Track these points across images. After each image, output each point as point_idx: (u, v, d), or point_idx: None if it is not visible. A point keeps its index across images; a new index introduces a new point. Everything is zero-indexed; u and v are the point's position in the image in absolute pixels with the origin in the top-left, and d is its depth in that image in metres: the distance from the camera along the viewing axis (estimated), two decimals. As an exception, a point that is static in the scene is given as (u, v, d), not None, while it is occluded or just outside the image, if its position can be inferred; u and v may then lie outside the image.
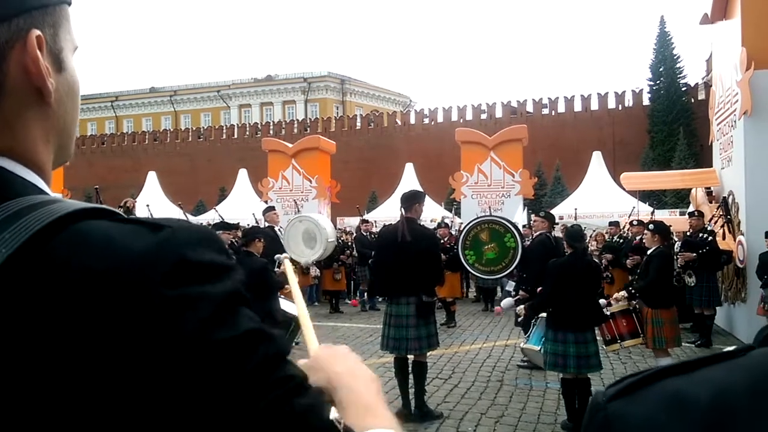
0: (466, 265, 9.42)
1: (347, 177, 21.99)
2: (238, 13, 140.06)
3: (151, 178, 23.69)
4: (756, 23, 8.47)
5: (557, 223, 8.25)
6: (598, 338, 5.22)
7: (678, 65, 30.35)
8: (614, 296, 6.05)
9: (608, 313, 5.86)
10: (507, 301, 6.55)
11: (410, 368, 5.28)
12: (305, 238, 8.79)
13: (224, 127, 43.00)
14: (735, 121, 8.90)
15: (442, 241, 10.28)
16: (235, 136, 40.48)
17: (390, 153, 32.05)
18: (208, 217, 17.51)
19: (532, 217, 11.67)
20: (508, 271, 8.07)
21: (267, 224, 9.22)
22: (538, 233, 7.71)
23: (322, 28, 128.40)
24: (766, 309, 7.30)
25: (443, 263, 9.45)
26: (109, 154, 41.87)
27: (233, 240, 8.13)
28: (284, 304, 6.13)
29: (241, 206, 18.50)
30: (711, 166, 10.89)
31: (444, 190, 19.34)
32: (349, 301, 13.11)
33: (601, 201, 17.45)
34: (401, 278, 5.14)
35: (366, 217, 15.76)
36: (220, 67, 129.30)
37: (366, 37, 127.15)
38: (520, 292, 6.53)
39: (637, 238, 9.35)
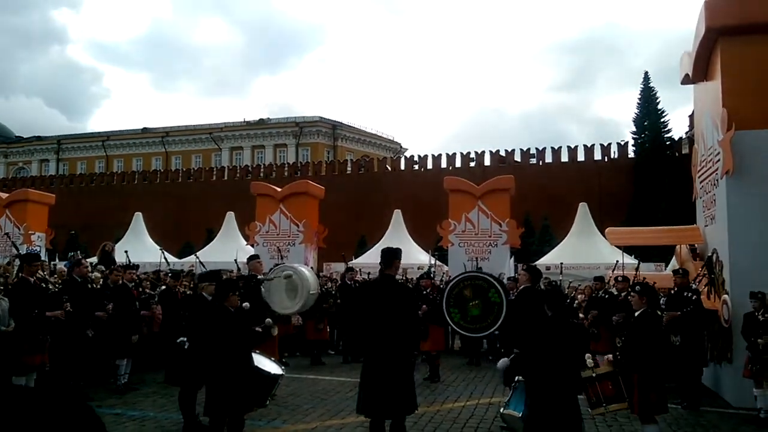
0: (451, 323, 9.32)
1: (336, 221, 21.92)
2: (232, 57, 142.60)
3: (137, 218, 23.49)
4: (736, 85, 8.65)
5: (543, 277, 8.19)
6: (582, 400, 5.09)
7: (662, 119, 31.05)
8: (606, 358, 5.92)
9: (593, 374, 5.74)
10: (503, 362, 6.36)
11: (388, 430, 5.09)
12: (287, 289, 8.63)
13: (215, 169, 43.09)
14: (717, 180, 8.98)
15: (424, 292, 10.17)
16: (225, 177, 40.52)
17: (379, 198, 32.14)
18: (192, 260, 17.26)
19: (518, 269, 11.58)
20: (494, 327, 7.97)
21: (250, 273, 9.05)
22: (522, 287, 7.64)
23: (315, 73, 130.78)
24: (753, 371, 7.19)
25: (426, 315, 9.36)
26: (97, 193, 41.65)
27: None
28: (260, 361, 5.95)
29: (226, 250, 18.28)
30: (695, 221, 10.94)
31: (432, 237, 19.31)
32: (332, 352, 12.84)
33: (587, 252, 17.46)
34: (379, 338, 5.01)
35: (354, 262, 15.65)
36: (213, 110, 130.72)
37: (358, 84, 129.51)
38: (514, 351, 6.38)
39: (623, 294, 9.29)
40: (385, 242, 19.45)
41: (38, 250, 14.19)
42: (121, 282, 9.14)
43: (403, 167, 37.86)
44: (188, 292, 9.42)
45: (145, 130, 57.52)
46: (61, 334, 7.76)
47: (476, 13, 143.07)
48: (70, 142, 58.77)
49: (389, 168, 38.35)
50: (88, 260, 10.26)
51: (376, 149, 51.70)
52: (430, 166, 36.11)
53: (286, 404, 7.69)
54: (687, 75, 10.51)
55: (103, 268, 11.10)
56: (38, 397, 0.67)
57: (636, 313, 5.89)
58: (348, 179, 36.84)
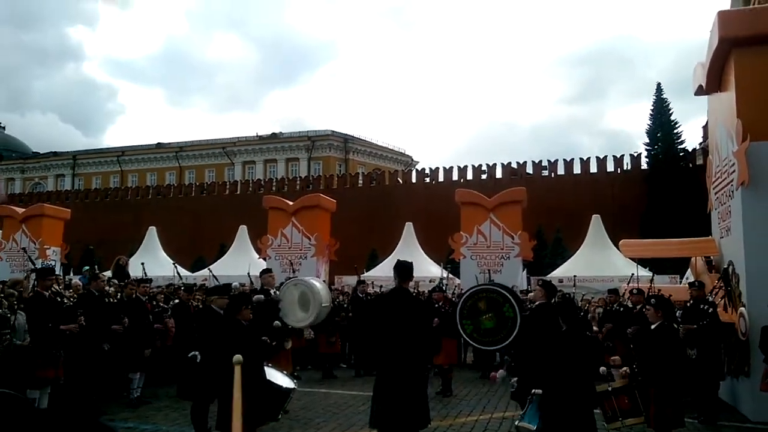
0: (464, 335, 9.26)
1: (348, 234, 21.95)
2: (246, 72, 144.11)
3: (151, 232, 23.68)
4: (751, 96, 8.59)
5: (558, 293, 8.12)
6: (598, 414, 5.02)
7: (676, 131, 30.84)
8: (621, 371, 5.86)
9: (609, 389, 5.67)
10: (503, 372, 6.35)
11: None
12: (300, 302, 8.65)
13: (227, 183, 43.40)
14: (732, 191, 8.89)
15: (437, 305, 10.12)
16: (238, 192, 40.78)
17: (391, 211, 32.16)
18: (205, 274, 17.35)
19: (531, 283, 11.50)
20: (507, 341, 7.91)
21: (262, 287, 9.08)
22: (537, 303, 7.58)
23: (327, 88, 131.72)
24: (771, 384, 7.05)
25: (439, 328, 9.30)
26: (112, 208, 42.07)
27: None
28: (272, 375, 5.95)
29: (238, 264, 18.37)
30: (710, 233, 10.82)
31: (443, 249, 19.26)
32: (344, 366, 12.78)
33: (601, 265, 17.32)
34: (393, 350, 4.99)
35: (365, 275, 15.63)
36: (226, 125, 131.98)
37: (369, 98, 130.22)
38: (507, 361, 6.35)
39: (638, 307, 9.19)
40: (397, 255, 19.39)
41: (53, 264, 14.33)
42: (134, 296, 9.20)
43: (414, 180, 37.89)
44: (200, 306, 9.46)
45: (159, 145, 58.17)
46: (76, 348, 7.81)
47: (486, 26, 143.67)
48: (85, 158, 59.56)
49: (401, 181, 38.40)
50: (103, 274, 10.36)
51: (387, 162, 51.86)
52: (441, 178, 36.10)
53: (297, 418, 7.66)
54: (701, 86, 10.46)
55: (116, 281, 11.19)
56: (54, 417, 0.68)
57: (652, 326, 5.82)
58: (359, 192, 36.93)
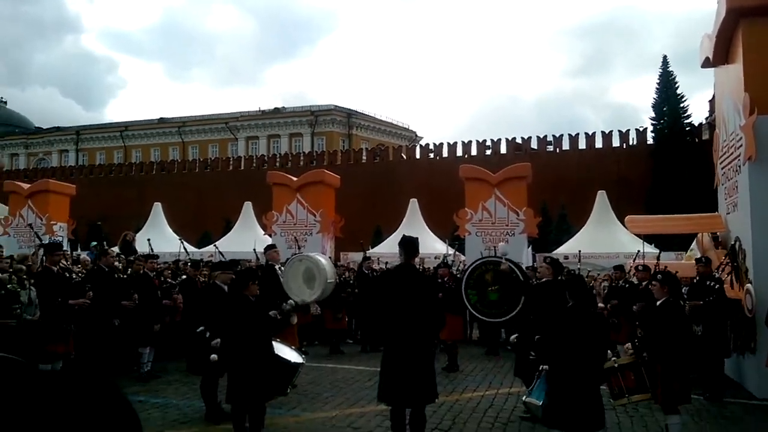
0: (468, 305, 9.30)
1: (352, 211, 21.95)
2: (246, 45, 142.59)
3: (156, 209, 23.73)
4: (759, 69, 8.45)
5: (564, 270, 8.12)
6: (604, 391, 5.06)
7: (682, 105, 30.51)
8: (625, 346, 5.90)
9: (615, 365, 5.70)
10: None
11: (408, 421, 5.11)
12: (305, 278, 8.68)
13: (231, 159, 43.32)
14: (739, 166, 8.82)
15: (441, 280, 10.16)
16: (242, 167, 40.72)
17: (395, 187, 32.10)
18: (211, 250, 17.42)
19: (536, 260, 11.48)
20: (508, 316, 7.94)
21: (267, 262, 9.12)
22: (543, 279, 7.59)
23: (330, 61, 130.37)
24: (776, 361, 7.09)
25: (442, 303, 9.35)
26: (116, 184, 42.11)
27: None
28: (281, 349, 6.00)
29: (244, 240, 18.42)
30: (716, 209, 10.77)
31: (448, 226, 19.27)
32: (351, 341, 12.90)
33: (606, 241, 17.32)
34: (400, 326, 5.02)
35: (370, 252, 15.65)
36: (228, 99, 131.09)
37: (373, 71, 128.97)
38: (512, 338, 6.37)
39: (643, 283, 9.21)
40: (401, 232, 19.40)
41: (60, 240, 14.40)
42: (142, 271, 9.26)
43: (418, 156, 37.74)
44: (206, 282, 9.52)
45: (161, 120, 57.94)
46: (87, 323, 7.89)
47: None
48: (88, 133, 59.41)
49: (404, 157, 38.23)
50: (112, 250, 10.42)
51: (391, 138, 51.58)
52: (445, 154, 35.93)
53: (306, 393, 7.76)
54: (707, 58, 10.29)
55: (124, 257, 11.26)
56: (68, 381, 0.67)
57: (658, 303, 5.83)
58: (363, 168, 36.81)
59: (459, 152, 35.16)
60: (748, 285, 8.15)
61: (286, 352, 6.22)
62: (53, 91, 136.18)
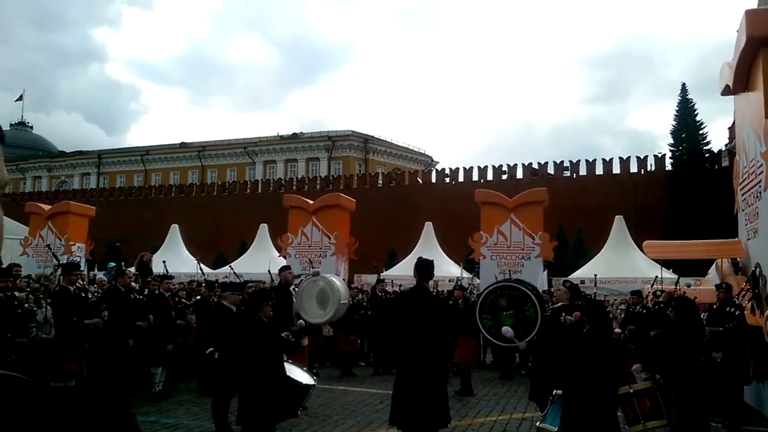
0: (482, 329, 9.22)
1: (367, 234, 21.98)
2: (267, 73, 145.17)
3: (173, 230, 23.97)
4: (779, 95, 8.39)
5: (582, 295, 8.03)
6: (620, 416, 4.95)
7: (701, 131, 30.30)
8: (633, 368, 5.79)
9: (631, 390, 5.59)
10: (507, 329, 6.23)
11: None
12: (318, 299, 8.67)
13: (249, 182, 43.76)
14: (760, 193, 8.70)
15: (453, 301, 10.09)
16: (259, 191, 41.08)
17: (410, 211, 32.10)
18: (226, 271, 17.52)
19: (554, 284, 11.37)
20: (525, 340, 7.85)
21: (281, 283, 9.14)
22: (560, 304, 7.51)
23: (348, 88, 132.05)
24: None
25: (455, 327, 9.26)
26: (135, 207, 42.69)
27: (245, 296, 8.08)
28: (292, 371, 5.98)
29: (258, 261, 18.51)
30: (736, 235, 10.61)
31: (463, 249, 19.18)
32: (363, 363, 12.81)
33: (624, 266, 17.09)
34: (412, 348, 4.98)
35: (384, 274, 15.62)
36: (247, 125, 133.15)
37: (390, 98, 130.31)
38: (523, 342, 6.27)
39: (658, 308, 9.05)
40: (416, 254, 19.35)
41: (78, 260, 14.58)
42: (157, 292, 9.32)
43: (434, 180, 37.79)
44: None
45: (182, 144, 58.88)
46: (100, 343, 7.94)
47: (504, 26, 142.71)
48: (110, 157, 60.52)
49: (420, 181, 38.32)
50: (128, 270, 10.52)
51: (407, 162, 51.79)
52: (461, 179, 35.94)
53: (316, 414, 7.69)
54: (727, 86, 10.26)
55: (139, 278, 11.35)
56: (76, 397, 0.67)
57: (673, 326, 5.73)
58: (379, 192, 36.93)
59: (475, 177, 35.17)
60: (769, 312, 7.97)
61: (297, 373, 6.19)
62: (77, 117, 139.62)
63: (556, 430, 4.95)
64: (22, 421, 0.56)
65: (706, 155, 29.97)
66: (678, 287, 10.38)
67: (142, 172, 58.11)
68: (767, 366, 8.00)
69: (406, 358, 5.09)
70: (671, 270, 15.20)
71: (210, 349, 6.57)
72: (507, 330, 8.24)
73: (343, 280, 13.28)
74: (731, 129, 29.22)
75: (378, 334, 11.25)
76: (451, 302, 9.85)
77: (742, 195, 9.93)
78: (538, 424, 5.64)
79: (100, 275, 12.86)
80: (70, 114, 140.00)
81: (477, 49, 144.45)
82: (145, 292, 9.72)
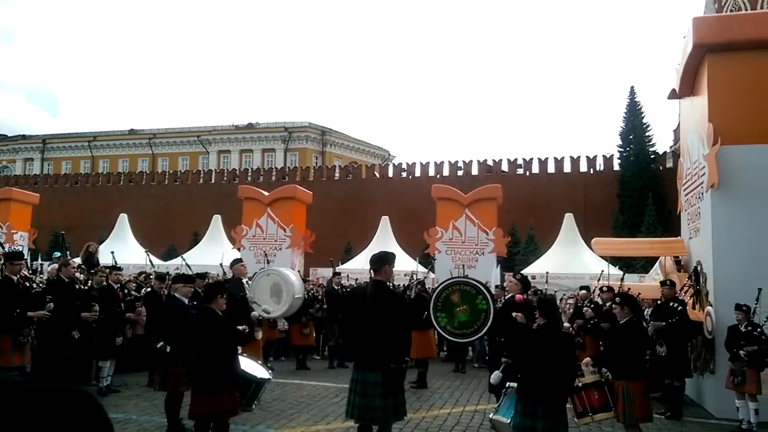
0: (437, 327, 9.31)
1: (323, 227, 21.89)
2: (223, 60, 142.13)
3: (122, 220, 23.25)
4: (722, 101, 8.80)
5: (531, 288, 8.21)
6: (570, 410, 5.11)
7: (647, 133, 31.43)
8: (584, 361, 5.98)
9: (580, 384, 5.76)
10: (495, 376, 6.33)
11: (375, 437, 5.07)
12: (272, 292, 8.60)
13: (201, 172, 42.82)
14: (702, 194, 9.11)
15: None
16: (213, 181, 40.26)
17: (367, 205, 32.13)
18: (177, 263, 17.13)
19: (507, 277, 11.61)
20: (480, 334, 7.98)
21: (234, 276, 9.01)
22: (510, 295, 7.67)
23: (305, 79, 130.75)
24: (735, 382, 7.27)
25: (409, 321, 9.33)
26: (82, 194, 41.16)
27: (198, 289, 7.92)
28: (245, 364, 5.91)
29: (211, 253, 18.17)
30: (679, 233, 11.07)
31: (419, 244, 19.37)
32: (317, 357, 12.78)
33: (573, 262, 17.59)
34: (368, 344, 4.99)
35: (340, 268, 15.59)
36: (201, 112, 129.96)
37: (348, 90, 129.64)
38: (502, 359, 6.39)
39: (608, 304, 9.37)
40: (373, 249, 19.42)
41: (21, 249, 13.98)
42: (105, 283, 9.04)
43: (391, 174, 37.90)
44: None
45: (132, 131, 57.07)
46: (45, 335, 7.65)
47: (461, 17, 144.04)
48: (55, 142, 58.11)
49: (377, 175, 38.37)
50: (72, 260, 10.16)
51: (364, 156, 51.75)
52: (418, 174, 36.19)
53: (271, 409, 7.64)
54: (673, 90, 10.68)
55: (85, 268, 10.97)
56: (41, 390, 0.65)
57: (620, 322, 5.95)
58: (336, 185, 36.79)
59: (431, 172, 35.45)
60: (709, 307, 8.38)
61: (252, 367, 6.13)
62: (18, 97, 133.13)
63: (509, 422, 5.07)
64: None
65: (652, 156, 31.12)
66: (622, 283, 10.76)
67: (89, 158, 56.05)
68: (707, 360, 8.41)
69: (360, 352, 5.10)
70: (617, 267, 15.75)
71: (160, 343, 6.44)
72: None
73: (298, 273, 13.20)
74: (676, 131, 30.44)
75: (341, 327, 11.24)
76: (408, 295, 9.91)
77: (686, 195, 10.37)
78: (491, 416, 5.76)
79: (54, 266, 12.37)
80: (9, 94, 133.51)
81: (436, 43, 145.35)
82: (89, 284, 9.41)
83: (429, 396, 8.98)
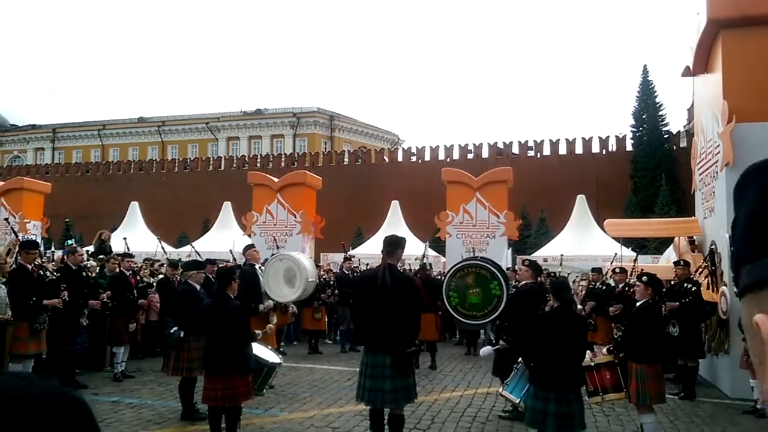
0: (448, 307, 9.29)
1: (333, 212, 21.88)
2: (230, 46, 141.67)
3: (133, 208, 23.39)
4: (737, 78, 8.62)
5: (543, 272, 8.15)
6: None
7: (660, 113, 30.99)
8: (604, 350, 5.94)
9: (593, 363, 5.73)
10: (486, 350, 6.39)
11: (386, 421, 5.08)
12: (286, 277, 8.61)
13: (211, 159, 42.91)
14: (717, 172, 8.98)
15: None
16: (222, 168, 40.36)
17: (376, 190, 32.07)
18: (188, 250, 17.22)
19: (518, 265, 11.55)
20: (490, 318, 7.94)
21: (246, 262, 9.03)
22: (523, 283, 7.62)
23: (314, 64, 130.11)
24: (749, 362, 7.20)
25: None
26: (93, 183, 41.46)
27: (209, 275, 7.96)
28: (258, 349, 5.94)
29: (222, 240, 18.26)
30: (693, 213, 10.94)
31: (429, 228, 19.31)
32: (329, 341, 12.84)
33: (585, 244, 17.48)
34: (379, 327, 4.98)
35: (350, 253, 15.61)
36: (210, 99, 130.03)
37: (356, 75, 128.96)
38: (501, 342, 6.41)
39: (620, 285, 9.31)
40: (383, 233, 19.43)
41: (34, 238, 14.10)
42: (118, 270, 9.10)
43: (400, 159, 37.77)
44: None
45: (141, 119, 57.19)
46: (59, 323, 7.73)
47: (473, 1, 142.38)
48: (65, 131, 58.41)
49: (387, 159, 38.25)
50: (83, 249, 10.24)
51: (373, 140, 51.55)
52: (427, 157, 36.02)
53: (283, 393, 7.69)
54: (687, 67, 10.49)
55: (97, 256, 11.06)
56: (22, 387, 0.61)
57: (638, 303, 5.87)
58: (345, 170, 36.74)
59: (441, 156, 35.28)
60: (723, 287, 8.29)
61: (263, 352, 6.15)
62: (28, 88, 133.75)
63: (518, 401, 5.05)
64: None
65: (666, 136, 30.72)
66: (636, 264, 10.67)
67: (99, 147, 56.31)
68: (721, 340, 8.34)
69: (371, 336, 5.09)
70: (630, 248, 15.63)
71: (174, 329, 6.48)
72: None
73: (310, 258, 13.23)
74: (690, 110, 29.98)
75: (352, 311, 11.27)
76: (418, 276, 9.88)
77: (700, 175, 10.22)
78: (500, 391, 5.75)
79: (60, 254, 12.48)
80: (20, 84, 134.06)
81: (444, 26, 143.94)
82: (98, 271, 9.46)
83: (441, 378, 9.00)
